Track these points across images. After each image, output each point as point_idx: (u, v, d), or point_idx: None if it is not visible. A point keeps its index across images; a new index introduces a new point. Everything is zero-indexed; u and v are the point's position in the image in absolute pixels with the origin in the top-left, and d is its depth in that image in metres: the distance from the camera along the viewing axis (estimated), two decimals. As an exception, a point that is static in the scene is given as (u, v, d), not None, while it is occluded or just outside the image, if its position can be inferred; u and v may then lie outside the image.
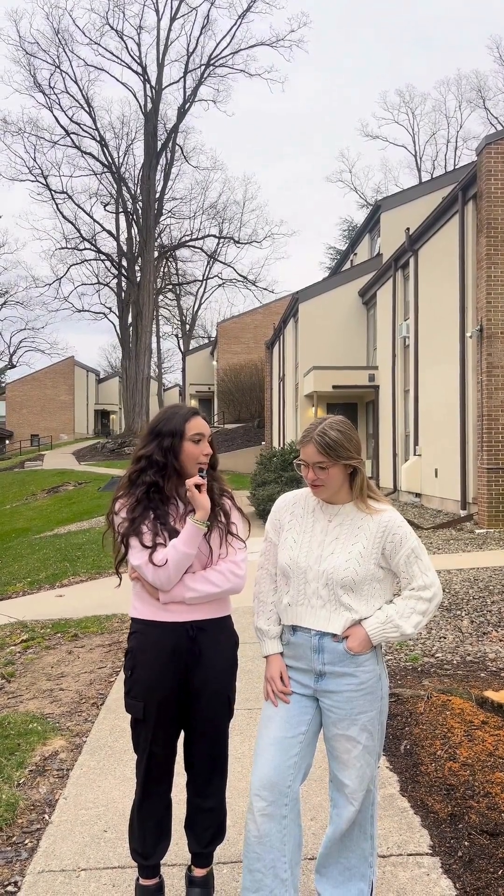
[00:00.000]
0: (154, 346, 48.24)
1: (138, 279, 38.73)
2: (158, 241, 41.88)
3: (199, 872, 2.47)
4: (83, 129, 39.37)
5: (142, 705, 2.34)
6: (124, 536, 2.33)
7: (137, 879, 2.46)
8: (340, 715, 2.22)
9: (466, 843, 2.77)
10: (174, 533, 2.33)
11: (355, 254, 26.99)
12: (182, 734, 2.46)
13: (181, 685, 2.35)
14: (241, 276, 46.20)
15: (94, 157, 39.95)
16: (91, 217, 42.12)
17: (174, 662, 2.33)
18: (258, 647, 2.48)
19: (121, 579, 2.51)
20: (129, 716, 2.43)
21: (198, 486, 2.33)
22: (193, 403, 41.64)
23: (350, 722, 2.22)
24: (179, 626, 2.33)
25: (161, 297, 50.44)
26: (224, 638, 2.42)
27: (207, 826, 2.46)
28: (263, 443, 30.87)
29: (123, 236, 40.84)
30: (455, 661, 5.01)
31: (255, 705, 4.19)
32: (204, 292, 57.73)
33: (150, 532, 2.31)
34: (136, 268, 39.50)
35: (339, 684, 2.22)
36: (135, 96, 39.60)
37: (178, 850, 2.68)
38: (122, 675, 4.98)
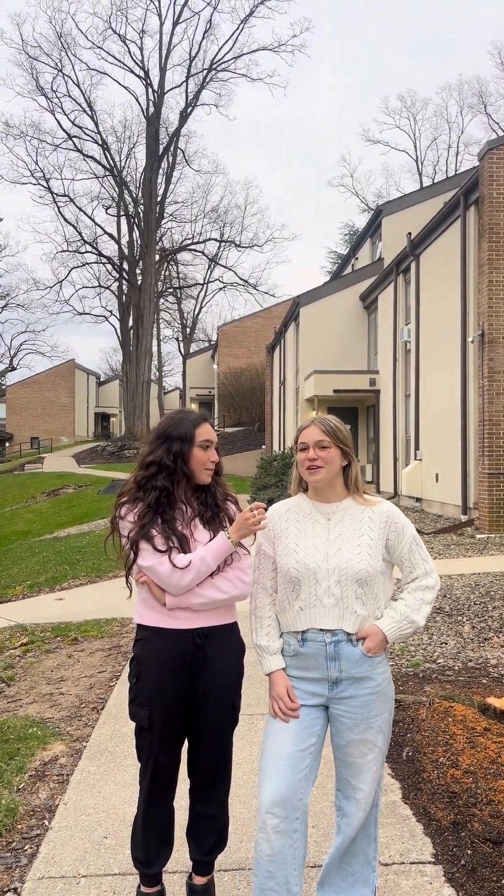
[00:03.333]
0: (155, 349, 48.19)
1: (139, 282, 38.74)
2: (160, 244, 41.90)
3: (200, 880, 2.45)
4: (85, 133, 39.44)
5: (147, 713, 2.31)
6: (134, 542, 2.30)
7: (139, 887, 2.44)
8: (357, 720, 2.21)
9: (469, 852, 2.75)
10: (183, 538, 2.31)
11: (356, 258, 27.00)
12: (186, 741, 2.44)
13: (187, 693, 2.33)
14: (242, 279, 46.25)
15: (95, 160, 40.00)
16: (92, 220, 42.04)
17: (180, 670, 2.30)
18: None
19: (130, 589, 2.43)
20: (129, 721, 2.41)
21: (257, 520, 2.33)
22: (194, 407, 41.65)
23: (367, 725, 2.21)
24: (186, 633, 2.31)
25: (162, 300, 50.44)
26: (230, 645, 2.40)
27: (209, 833, 2.44)
28: (264, 446, 30.85)
29: (125, 239, 40.90)
30: (457, 667, 4.99)
31: (256, 710, 4.17)
32: (205, 296, 57.80)
33: (162, 536, 2.29)
34: (137, 271, 39.51)
35: (357, 689, 2.20)
36: (137, 100, 39.85)
37: (179, 857, 2.66)
38: (122, 680, 4.99)
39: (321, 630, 2.22)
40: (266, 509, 2.32)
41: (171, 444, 2.34)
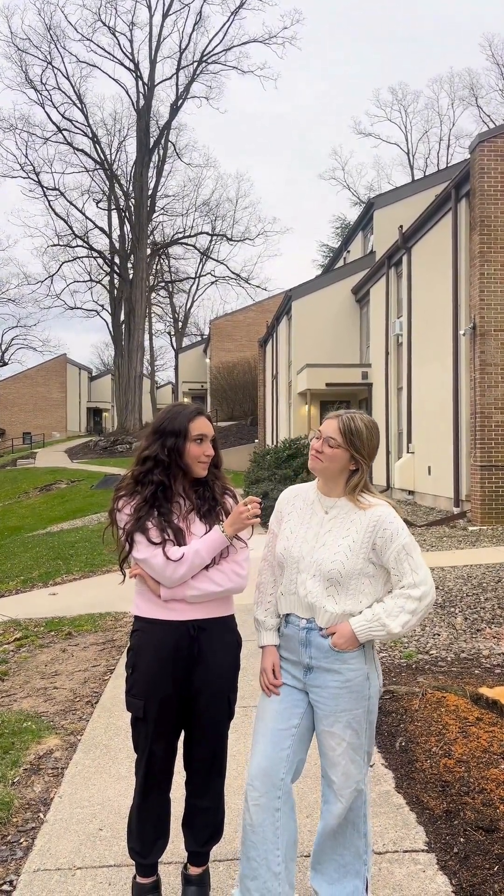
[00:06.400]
0: (147, 343, 48.14)
1: (131, 276, 38.62)
2: (151, 238, 41.77)
3: (195, 871, 2.47)
4: (75, 126, 39.24)
5: (142, 704, 2.33)
6: (129, 534, 2.32)
7: (134, 877, 2.46)
8: (326, 711, 2.24)
9: (462, 840, 2.78)
10: (179, 531, 2.33)
11: (348, 251, 26.99)
12: (182, 733, 2.46)
13: (182, 684, 2.35)
14: (233, 273, 46.21)
15: (86, 153, 39.80)
16: (83, 214, 41.87)
17: (175, 661, 2.32)
18: (252, 644, 2.48)
19: (125, 576, 2.48)
20: (124, 714, 2.43)
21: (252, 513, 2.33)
22: (186, 401, 41.55)
23: (335, 719, 2.23)
24: (181, 625, 2.33)
25: (154, 294, 50.28)
26: (226, 638, 2.41)
27: (205, 825, 2.45)
28: (257, 440, 30.86)
29: (116, 233, 40.73)
30: (449, 658, 5.02)
31: (251, 703, 4.18)
32: (197, 290, 57.57)
33: (157, 528, 2.31)
34: (129, 265, 39.38)
35: (326, 680, 2.23)
36: (127, 93, 39.74)
37: (175, 847, 2.67)
38: (116, 674, 5.00)
39: (298, 616, 2.28)
40: (261, 503, 2.34)
41: (165, 438, 2.36)
